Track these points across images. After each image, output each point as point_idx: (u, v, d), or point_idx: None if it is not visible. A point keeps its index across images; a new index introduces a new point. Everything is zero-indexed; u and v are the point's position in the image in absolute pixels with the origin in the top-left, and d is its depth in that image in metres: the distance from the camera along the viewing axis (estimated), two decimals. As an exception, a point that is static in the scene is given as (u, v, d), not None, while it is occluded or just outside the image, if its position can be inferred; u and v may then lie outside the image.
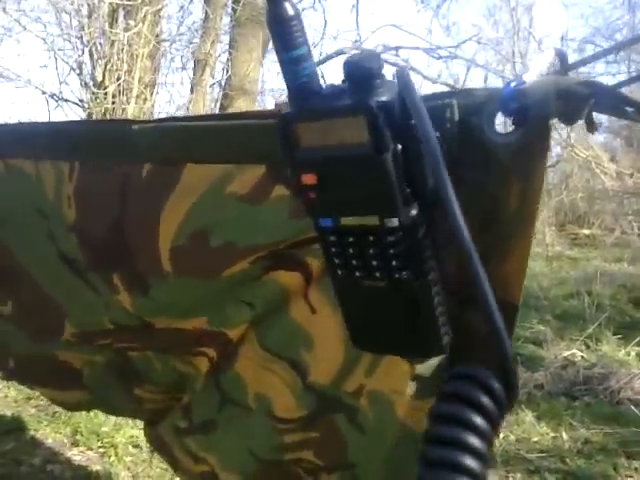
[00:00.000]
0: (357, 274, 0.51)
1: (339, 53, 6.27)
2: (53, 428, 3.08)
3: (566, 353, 4.53)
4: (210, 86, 6.61)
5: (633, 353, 4.54)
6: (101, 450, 3.05)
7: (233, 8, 6.25)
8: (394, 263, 0.49)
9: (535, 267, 7.30)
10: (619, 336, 4.78)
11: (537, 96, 0.45)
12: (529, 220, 0.49)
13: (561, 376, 4.25)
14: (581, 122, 0.47)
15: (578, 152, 6.91)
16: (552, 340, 4.82)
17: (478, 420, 0.44)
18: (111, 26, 5.22)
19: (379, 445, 0.70)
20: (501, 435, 3.53)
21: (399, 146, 0.46)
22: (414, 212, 0.48)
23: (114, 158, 0.73)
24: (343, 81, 0.47)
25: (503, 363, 0.46)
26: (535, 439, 3.48)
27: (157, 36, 5.61)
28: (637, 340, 4.55)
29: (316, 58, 7.03)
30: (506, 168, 0.48)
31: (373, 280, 0.51)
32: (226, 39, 6.72)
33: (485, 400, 0.44)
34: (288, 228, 0.63)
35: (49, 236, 0.84)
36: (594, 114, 0.47)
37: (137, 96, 5.27)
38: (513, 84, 0.46)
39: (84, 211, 0.79)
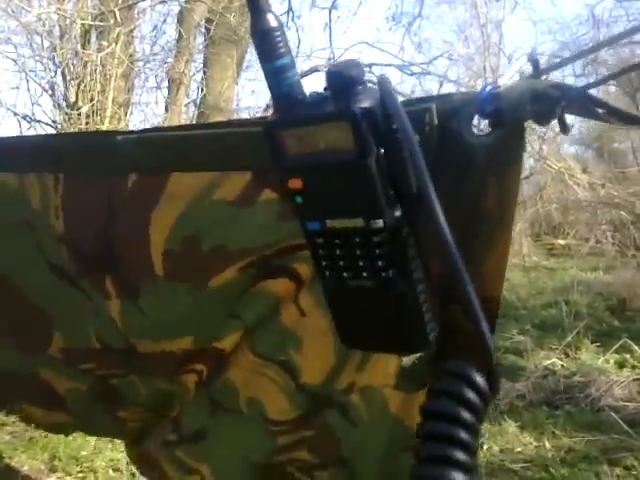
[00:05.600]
0: (345, 275, 0.53)
1: (313, 71, 6.33)
2: (30, 454, 3.00)
3: (546, 362, 4.57)
4: (185, 105, 6.62)
5: (612, 360, 4.59)
6: (80, 475, 2.98)
7: (206, 28, 6.29)
8: (380, 263, 0.50)
9: (513, 278, 7.36)
10: (597, 344, 4.84)
11: (512, 99, 0.47)
12: (507, 218, 0.50)
13: (542, 385, 4.29)
14: (554, 124, 0.49)
15: (551, 164, 7.04)
16: (532, 350, 4.86)
17: (466, 415, 0.46)
18: (84, 47, 5.20)
19: (373, 439, 0.71)
20: (485, 446, 3.54)
21: (382, 150, 0.47)
22: (398, 213, 0.49)
23: (99, 169, 0.73)
24: (326, 89, 0.49)
25: (485, 358, 0.47)
26: (519, 449, 3.49)
27: (131, 56, 5.61)
28: (615, 347, 4.61)
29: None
30: (484, 168, 0.50)
31: (360, 280, 0.52)
32: (200, 58, 6.76)
33: (471, 395, 0.46)
34: (277, 231, 0.65)
35: (38, 247, 0.84)
36: (566, 116, 0.49)
37: (111, 116, 5.24)
38: (488, 88, 0.48)
39: (72, 221, 0.79)
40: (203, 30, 6.48)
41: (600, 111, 0.47)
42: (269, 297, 0.71)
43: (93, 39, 5.55)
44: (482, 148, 0.49)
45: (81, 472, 3.00)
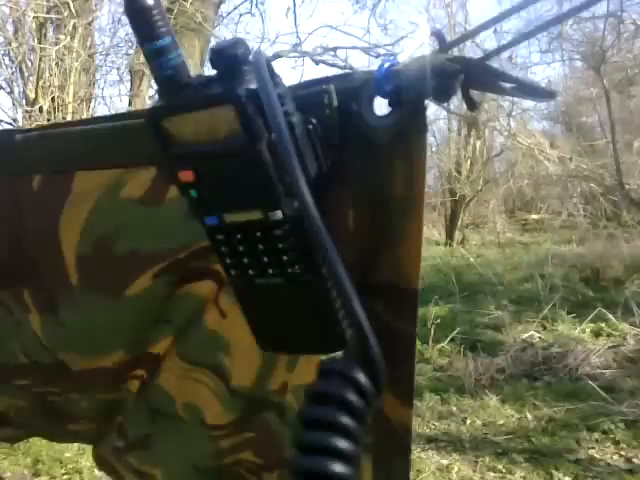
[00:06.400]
0: (250, 272, 0.49)
1: (277, 56, 6.25)
2: (12, 460, 2.96)
3: (524, 335, 4.63)
4: (150, 97, 6.51)
5: (588, 330, 4.67)
6: (65, 477, 2.95)
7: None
8: (285, 258, 0.47)
9: (489, 255, 7.44)
10: (573, 315, 4.92)
11: (410, 76, 0.44)
12: (417, 201, 0.47)
13: (521, 358, 4.35)
14: (462, 100, 0.47)
15: (521, 141, 7.08)
16: (510, 324, 4.92)
17: (345, 419, 0.42)
18: (40, 41, 5.07)
19: None
20: (467, 421, 3.59)
21: (274, 135, 0.44)
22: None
23: (2, 171, 0.69)
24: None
25: (367, 353, 0.44)
26: (501, 422, 3.54)
27: (90, 49, 5.48)
28: (591, 317, 4.68)
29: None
30: (387, 151, 0.47)
31: (267, 277, 0.49)
32: (163, 48, 6.62)
33: (352, 397, 0.43)
34: (187, 231, 0.61)
35: None
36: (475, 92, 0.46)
37: (73, 112, 5.13)
38: (386, 65, 0.45)
39: None
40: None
41: (504, 85, 0.44)
42: (195, 300, 0.67)
43: (50, 33, 5.42)
44: (383, 130, 0.46)
45: (66, 474, 2.97)
